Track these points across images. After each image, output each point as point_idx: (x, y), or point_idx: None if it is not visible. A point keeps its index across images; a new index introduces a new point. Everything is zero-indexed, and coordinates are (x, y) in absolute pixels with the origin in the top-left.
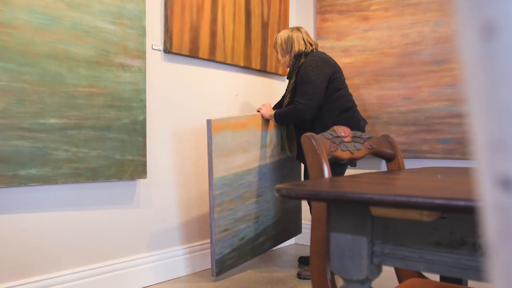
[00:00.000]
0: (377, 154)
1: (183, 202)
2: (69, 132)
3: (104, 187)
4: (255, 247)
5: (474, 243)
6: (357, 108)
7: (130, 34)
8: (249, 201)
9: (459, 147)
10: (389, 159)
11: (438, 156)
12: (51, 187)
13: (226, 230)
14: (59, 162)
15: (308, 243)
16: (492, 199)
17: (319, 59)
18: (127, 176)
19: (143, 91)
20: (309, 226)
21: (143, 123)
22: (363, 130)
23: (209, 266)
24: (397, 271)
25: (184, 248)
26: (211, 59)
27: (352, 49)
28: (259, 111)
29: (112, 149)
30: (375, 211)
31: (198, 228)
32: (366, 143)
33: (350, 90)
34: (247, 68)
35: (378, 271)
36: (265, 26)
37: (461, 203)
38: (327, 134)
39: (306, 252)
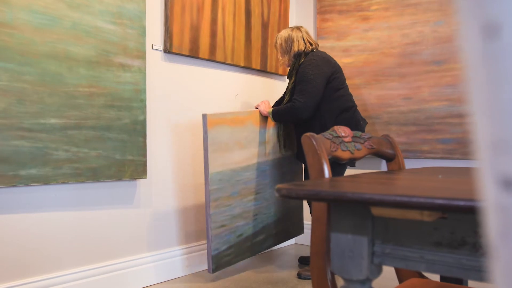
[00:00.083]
0: (378, 154)
1: (183, 202)
2: (69, 132)
3: (104, 187)
4: (254, 245)
5: (474, 243)
6: (357, 108)
7: (130, 34)
8: (247, 198)
9: (459, 147)
10: (389, 159)
11: (438, 156)
12: (51, 187)
13: (222, 226)
14: (59, 162)
15: (308, 243)
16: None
17: (319, 59)
18: (127, 176)
19: (143, 91)
20: (310, 226)
21: (143, 123)
22: (363, 130)
23: None
24: (398, 271)
25: (184, 248)
26: (211, 59)
27: (352, 49)
28: (257, 108)
29: (112, 149)
30: (376, 211)
31: (199, 228)
32: (366, 143)
33: (351, 90)
34: (247, 68)
35: (379, 271)
36: (265, 26)
37: (462, 203)
38: (327, 134)
39: (306, 252)
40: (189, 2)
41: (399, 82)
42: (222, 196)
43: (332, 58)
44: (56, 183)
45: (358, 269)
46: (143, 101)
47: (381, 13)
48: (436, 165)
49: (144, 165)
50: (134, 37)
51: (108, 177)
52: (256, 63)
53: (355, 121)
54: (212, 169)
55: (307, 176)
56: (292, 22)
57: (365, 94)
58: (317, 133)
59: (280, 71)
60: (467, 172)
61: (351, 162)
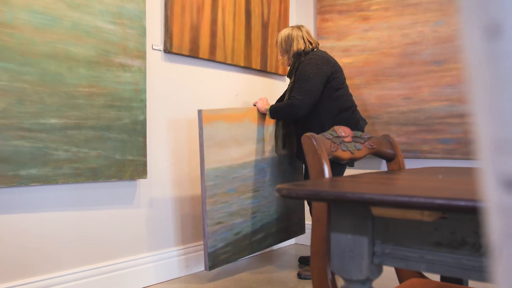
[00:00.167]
0: (378, 154)
1: (183, 202)
2: (69, 132)
3: (105, 187)
4: (253, 243)
5: (475, 243)
6: (356, 108)
7: (130, 34)
8: (245, 195)
9: (459, 147)
10: (389, 159)
11: (438, 156)
12: (52, 187)
13: (219, 223)
14: (59, 162)
15: (308, 243)
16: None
17: (318, 58)
18: (127, 176)
19: (143, 91)
20: (310, 226)
21: (143, 123)
22: (362, 130)
23: None
24: (398, 271)
25: (185, 248)
26: (211, 59)
27: (352, 49)
28: (255, 105)
29: (112, 149)
30: (376, 211)
31: (198, 228)
32: (366, 143)
33: (351, 90)
34: (247, 68)
35: (379, 271)
36: (265, 26)
37: (462, 203)
38: (327, 134)
39: (306, 252)
40: (189, 2)
41: (399, 82)
42: (219, 192)
43: (332, 58)
44: (56, 183)
45: (358, 269)
46: (143, 101)
47: (381, 13)
48: (436, 165)
49: (144, 165)
50: (134, 37)
51: (108, 177)
52: (256, 63)
53: (355, 121)
54: (208, 165)
55: (307, 176)
56: (292, 22)
57: (365, 94)
58: (316, 132)
59: (280, 71)
60: (467, 172)
61: (350, 162)
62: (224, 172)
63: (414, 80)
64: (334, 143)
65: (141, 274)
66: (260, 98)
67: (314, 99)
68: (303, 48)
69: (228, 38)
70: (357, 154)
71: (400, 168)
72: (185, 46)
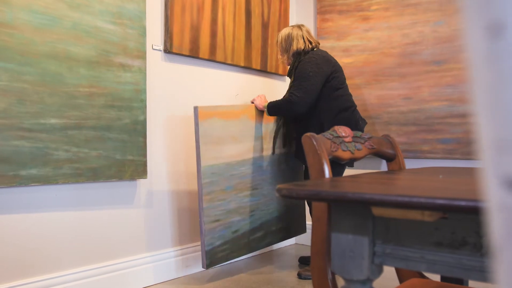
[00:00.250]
0: (378, 154)
1: (183, 202)
2: (69, 132)
3: (105, 187)
4: (252, 242)
5: (475, 243)
6: (356, 108)
7: (131, 34)
8: (243, 193)
9: (460, 147)
10: (389, 159)
11: (438, 156)
12: (52, 187)
13: (216, 220)
14: (59, 162)
15: (309, 243)
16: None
17: (319, 57)
18: (127, 176)
19: (144, 91)
20: (310, 227)
21: (143, 123)
22: (362, 130)
23: None
24: (398, 271)
25: (185, 248)
26: (212, 59)
27: (352, 49)
28: (253, 102)
29: (112, 149)
30: (376, 211)
31: (199, 228)
32: (366, 143)
33: (351, 90)
34: (247, 68)
35: (379, 271)
36: (265, 26)
37: (463, 203)
38: (327, 134)
39: (307, 252)
40: (189, 2)
41: (399, 82)
42: (216, 190)
43: (333, 58)
44: (57, 183)
45: (359, 269)
46: (143, 101)
47: (381, 13)
48: (436, 165)
49: (144, 165)
50: (134, 37)
51: (109, 177)
52: (256, 63)
53: (354, 121)
54: (205, 162)
55: (307, 176)
56: (292, 22)
57: (365, 94)
58: (316, 132)
59: (280, 71)
60: (467, 172)
61: (350, 163)
62: (221, 169)
63: (414, 80)
64: (334, 143)
65: (141, 274)
66: (258, 96)
67: (313, 97)
68: (302, 47)
69: (228, 38)
70: (357, 154)
71: (401, 168)
72: (185, 46)
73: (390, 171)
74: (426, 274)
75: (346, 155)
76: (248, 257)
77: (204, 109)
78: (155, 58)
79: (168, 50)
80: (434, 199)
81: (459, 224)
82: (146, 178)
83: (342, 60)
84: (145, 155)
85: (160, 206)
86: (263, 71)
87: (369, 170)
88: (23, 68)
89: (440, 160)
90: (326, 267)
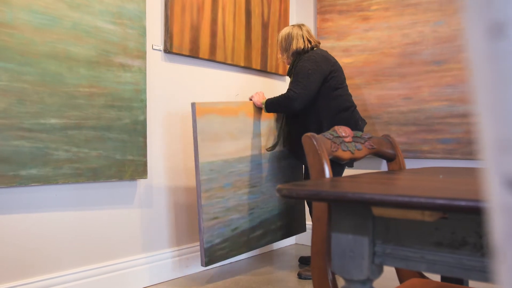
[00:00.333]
0: (378, 154)
1: (184, 202)
2: (69, 132)
3: (105, 187)
4: (251, 240)
5: (476, 243)
6: (356, 108)
7: (131, 34)
8: (242, 190)
9: (460, 147)
10: (390, 159)
11: (438, 156)
12: (52, 187)
13: (215, 218)
14: (59, 162)
15: (309, 243)
16: (500, 199)
17: (318, 56)
18: (127, 176)
19: (144, 91)
20: (310, 226)
21: (143, 123)
22: (361, 131)
23: (211, 266)
24: (398, 271)
25: (186, 248)
26: (212, 59)
27: (352, 49)
28: (251, 99)
29: (112, 149)
30: (377, 211)
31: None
32: (366, 143)
33: (351, 90)
34: (247, 68)
35: (379, 271)
36: (265, 26)
37: (463, 203)
38: (328, 134)
39: (307, 252)
40: (189, 2)
41: (399, 82)
42: (214, 187)
43: (333, 57)
44: (57, 183)
45: (359, 269)
46: (143, 101)
47: (381, 13)
48: (437, 165)
49: (144, 165)
50: (134, 37)
51: (109, 177)
52: (256, 63)
53: (354, 121)
54: (203, 158)
55: (307, 176)
56: (292, 22)
57: (365, 94)
58: (314, 131)
59: (280, 71)
60: (467, 172)
61: (349, 163)
62: (220, 166)
63: (414, 80)
64: (335, 143)
65: (142, 274)
66: (257, 92)
67: (311, 94)
68: (302, 47)
69: (228, 38)
70: (358, 154)
71: (401, 168)
72: (185, 46)
73: (390, 171)
74: (426, 274)
75: (346, 155)
76: (248, 257)
77: (202, 106)
78: (155, 58)
79: (168, 50)
80: (434, 199)
81: (459, 224)
82: (146, 178)
83: (342, 60)
84: (145, 155)
85: (160, 206)
86: (263, 71)
87: (369, 170)
88: (23, 68)
89: (440, 160)
90: (326, 267)
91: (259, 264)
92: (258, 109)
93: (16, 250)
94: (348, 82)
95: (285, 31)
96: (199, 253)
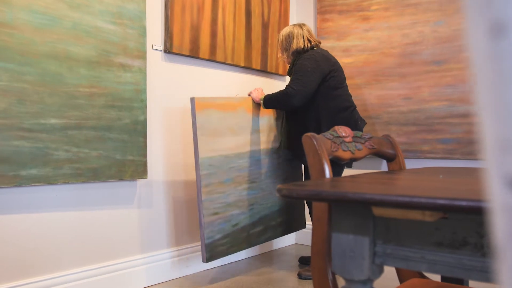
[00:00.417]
0: (378, 154)
1: (184, 202)
2: (69, 132)
3: (105, 187)
4: (251, 236)
5: (476, 243)
6: (355, 108)
7: (131, 34)
8: (242, 186)
9: (460, 147)
10: (390, 159)
11: (438, 156)
12: (52, 187)
13: (215, 213)
14: (59, 162)
15: (309, 243)
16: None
17: (318, 55)
18: (127, 176)
19: (144, 91)
20: (310, 226)
21: (143, 123)
22: (361, 131)
23: (211, 267)
24: (398, 271)
25: (186, 248)
26: (212, 59)
27: (353, 49)
28: (250, 95)
29: (112, 149)
30: (377, 211)
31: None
32: (367, 143)
33: (351, 90)
34: (247, 68)
35: (380, 271)
36: (265, 26)
37: (463, 203)
38: (328, 134)
39: (307, 252)
40: (189, 2)
41: (399, 82)
42: (214, 182)
43: (333, 57)
44: (57, 183)
45: (359, 269)
46: (143, 101)
47: (381, 13)
48: (437, 165)
49: (144, 165)
50: (134, 37)
51: (109, 177)
52: (256, 63)
53: (353, 121)
54: (202, 153)
55: (307, 176)
56: (292, 22)
57: (365, 94)
58: (313, 131)
59: (280, 71)
60: (468, 172)
61: (349, 163)
62: (219, 162)
63: (414, 80)
64: (335, 143)
65: (142, 274)
66: (255, 88)
67: (310, 91)
68: (302, 46)
69: (228, 38)
70: (358, 154)
71: (401, 168)
72: (185, 46)
73: (390, 171)
74: (427, 274)
75: (346, 155)
76: (248, 257)
77: (201, 100)
78: (155, 58)
79: (168, 50)
80: (434, 199)
81: (459, 224)
82: (146, 178)
83: (342, 60)
84: (145, 155)
85: (160, 206)
86: (263, 71)
87: (369, 170)
88: (23, 68)
89: (440, 160)
90: (327, 267)
91: (259, 264)
92: (257, 105)
93: (16, 250)
94: (348, 82)
95: (285, 30)
96: (199, 253)
